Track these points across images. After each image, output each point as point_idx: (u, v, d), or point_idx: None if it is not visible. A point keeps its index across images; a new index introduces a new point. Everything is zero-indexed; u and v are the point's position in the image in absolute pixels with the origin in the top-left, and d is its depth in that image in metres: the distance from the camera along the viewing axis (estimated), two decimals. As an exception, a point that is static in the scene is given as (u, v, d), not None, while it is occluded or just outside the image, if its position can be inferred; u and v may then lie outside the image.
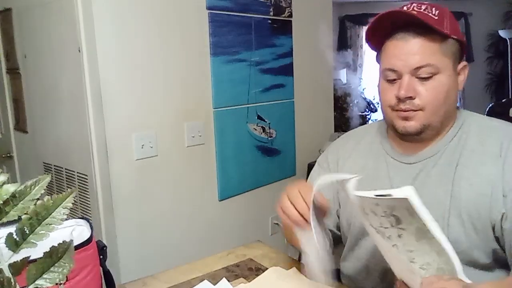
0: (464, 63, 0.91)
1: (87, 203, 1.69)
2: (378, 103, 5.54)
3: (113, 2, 1.59)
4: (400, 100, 0.87)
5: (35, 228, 0.47)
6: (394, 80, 0.89)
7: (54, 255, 0.47)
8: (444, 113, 0.89)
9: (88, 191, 1.67)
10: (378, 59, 0.95)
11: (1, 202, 0.46)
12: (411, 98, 0.87)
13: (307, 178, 2.67)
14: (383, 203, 0.69)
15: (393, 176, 0.96)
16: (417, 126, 0.88)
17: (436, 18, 0.85)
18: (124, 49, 1.63)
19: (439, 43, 0.85)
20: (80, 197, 1.72)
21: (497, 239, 0.86)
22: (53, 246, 0.47)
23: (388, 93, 0.90)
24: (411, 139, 0.93)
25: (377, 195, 0.69)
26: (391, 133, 1.00)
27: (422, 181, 0.91)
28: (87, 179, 1.66)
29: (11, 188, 0.47)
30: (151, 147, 1.75)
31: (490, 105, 3.65)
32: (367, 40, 0.93)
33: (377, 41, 0.92)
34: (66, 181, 1.80)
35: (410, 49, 0.85)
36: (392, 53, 0.88)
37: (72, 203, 0.49)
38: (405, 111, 0.88)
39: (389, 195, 0.68)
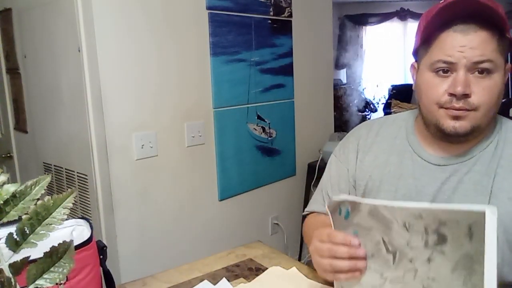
0: (509, 64, 0.85)
1: (87, 203, 1.69)
2: (377, 103, 5.57)
3: (113, 2, 1.59)
4: (454, 97, 0.80)
5: (35, 228, 0.47)
6: (446, 72, 0.81)
7: (54, 255, 0.47)
8: (492, 116, 0.84)
9: (88, 191, 1.67)
10: (420, 52, 0.87)
11: (2, 202, 0.46)
12: (467, 96, 0.79)
13: (307, 178, 2.65)
14: (434, 215, 0.61)
15: (419, 176, 0.89)
16: (468, 127, 0.81)
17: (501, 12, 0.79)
18: (124, 49, 1.63)
19: (497, 40, 0.79)
20: (80, 197, 1.72)
21: None
22: (53, 246, 0.47)
23: (437, 88, 0.82)
24: (448, 139, 0.86)
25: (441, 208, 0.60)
26: (421, 130, 0.93)
27: (453, 186, 0.85)
28: (87, 179, 1.66)
29: (11, 188, 0.47)
30: (151, 147, 1.75)
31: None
32: (422, 29, 0.84)
33: (426, 32, 0.84)
34: (66, 181, 1.80)
35: (470, 42, 0.78)
36: (450, 44, 0.80)
37: (72, 203, 0.49)
38: (458, 109, 0.80)
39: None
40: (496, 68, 0.80)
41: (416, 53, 0.90)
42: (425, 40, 0.85)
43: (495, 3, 0.78)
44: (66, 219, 0.49)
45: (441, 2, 0.80)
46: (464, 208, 0.58)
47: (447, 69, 0.81)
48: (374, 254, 0.69)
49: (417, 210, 0.62)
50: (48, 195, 0.50)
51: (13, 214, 0.46)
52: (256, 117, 2.16)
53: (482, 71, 0.79)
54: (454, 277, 0.60)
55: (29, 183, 0.49)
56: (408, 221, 0.64)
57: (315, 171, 2.33)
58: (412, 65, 0.93)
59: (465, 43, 0.78)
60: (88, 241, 0.84)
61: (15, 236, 0.46)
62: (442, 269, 0.61)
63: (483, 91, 0.79)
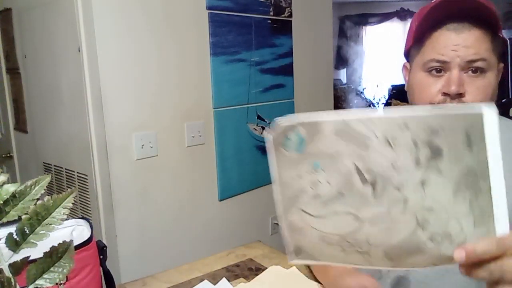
0: (502, 64, 0.84)
1: (87, 203, 1.69)
2: (377, 103, 5.57)
3: (113, 2, 1.59)
4: (448, 96, 0.79)
5: (35, 228, 0.47)
6: (440, 72, 0.80)
7: (54, 255, 0.47)
8: None
9: (88, 191, 1.67)
10: (413, 52, 0.86)
11: (1, 202, 0.46)
12: (461, 95, 0.78)
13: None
14: (424, 123, 0.48)
15: None
16: None
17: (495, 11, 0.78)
18: (124, 49, 1.63)
19: (491, 39, 0.79)
20: (80, 197, 1.72)
21: None
22: (53, 246, 0.47)
23: (431, 88, 0.81)
24: None
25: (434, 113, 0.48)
26: None
27: None
28: (87, 179, 1.66)
29: (11, 188, 0.47)
30: (151, 147, 1.75)
31: (490, 105, 3.64)
32: (414, 28, 0.83)
33: (419, 31, 0.83)
34: (66, 181, 1.80)
35: (463, 41, 0.77)
36: (443, 43, 0.79)
37: (72, 203, 0.49)
38: None
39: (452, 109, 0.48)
40: (489, 67, 0.79)
41: (408, 54, 0.90)
42: (418, 40, 0.84)
43: (489, 1, 0.78)
44: (66, 219, 0.49)
45: (432, 1, 0.79)
46: (456, 112, 0.48)
47: (440, 68, 0.80)
48: (344, 191, 0.53)
49: (401, 118, 0.49)
50: (48, 195, 0.50)
51: (13, 214, 0.46)
52: (256, 117, 2.16)
53: (475, 70, 0.78)
54: (457, 202, 0.48)
55: (29, 183, 0.48)
56: (391, 134, 0.49)
57: (315, 171, 2.33)
58: (404, 66, 0.93)
59: (459, 42, 0.78)
60: (88, 241, 0.84)
61: (15, 236, 0.46)
62: (441, 193, 0.49)
63: (477, 91, 0.78)
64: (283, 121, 0.53)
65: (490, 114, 0.46)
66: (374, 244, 0.53)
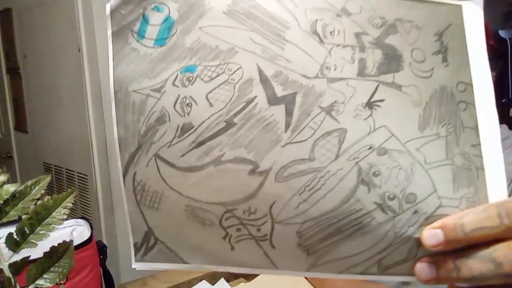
0: None
1: (87, 203, 1.69)
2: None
3: (113, 2, 1.59)
4: None
5: (35, 228, 0.47)
6: None
7: (54, 255, 0.47)
8: None
9: (88, 191, 1.67)
10: None
11: (1, 202, 0.46)
12: None
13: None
14: (372, 9, 0.29)
15: None
16: None
17: None
18: (124, 49, 1.63)
19: None
20: (80, 197, 1.72)
21: None
22: (53, 246, 0.47)
23: None
24: None
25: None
26: None
27: None
28: (87, 179, 1.66)
29: (11, 188, 0.47)
30: (151, 147, 1.75)
31: (490, 105, 3.63)
32: None
33: None
34: (66, 181, 1.80)
35: None
36: None
37: (72, 203, 0.49)
38: None
39: None
40: None
41: None
42: None
43: None
44: (66, 219, 0.49)
45: None
46: None
47: None
48: (237, 119, 0.29)
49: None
50: (48, 195, 0.50)
51: (13, 214, 0.46)
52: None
53: None
54: (426, 142, 0.29)
55: (29, 183, 0.48)
56: (321, 21, 0.29)
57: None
58: None
59: None
60: (88, 241, 0.84)
61: (15, 236, 0.46)
62: (399, 123, 0.29)
63: None
64: None
65: (473, 9, 0.29)
66: (282, 220, 0.30)
